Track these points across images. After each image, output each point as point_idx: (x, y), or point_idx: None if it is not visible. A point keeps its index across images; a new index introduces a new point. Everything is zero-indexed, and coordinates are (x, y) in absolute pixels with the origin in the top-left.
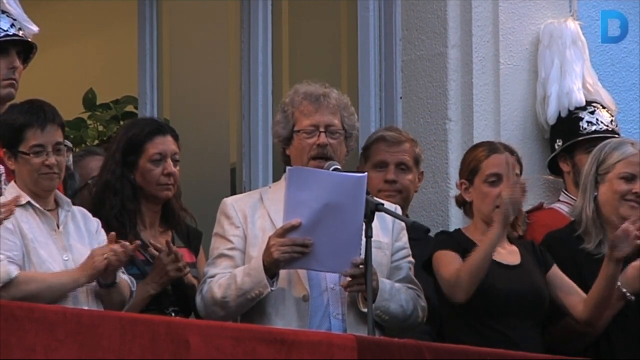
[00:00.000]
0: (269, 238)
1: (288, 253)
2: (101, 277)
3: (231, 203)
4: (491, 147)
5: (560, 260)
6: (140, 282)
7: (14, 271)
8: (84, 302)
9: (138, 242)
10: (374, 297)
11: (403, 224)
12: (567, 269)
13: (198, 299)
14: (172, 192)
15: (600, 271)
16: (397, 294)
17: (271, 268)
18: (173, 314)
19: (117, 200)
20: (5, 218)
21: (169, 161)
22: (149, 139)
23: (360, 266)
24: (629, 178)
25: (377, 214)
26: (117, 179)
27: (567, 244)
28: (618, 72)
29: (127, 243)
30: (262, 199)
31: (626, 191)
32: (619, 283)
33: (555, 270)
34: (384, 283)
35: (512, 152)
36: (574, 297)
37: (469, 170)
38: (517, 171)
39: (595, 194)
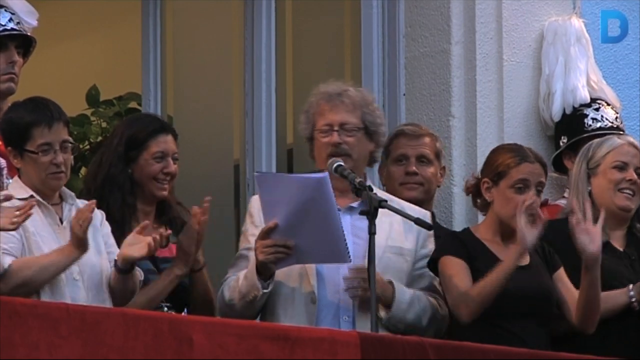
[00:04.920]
0: (255, 241)
1: (272, 254)
2: (122, 263)
3: (256, 201)
4: (522, 155)
5: (552, 235)
6: (167, 269)
7: (7, 262)
8: (84, 300)
9: (169, 232)
10: (390, 306)
11: (431, 230)
12: (557, 243)
13: (217, 300)
14: (167, 192)
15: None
16: (415, 303)
17: (264, 270)
18: (166, 309)
19: (119, 194)
20: (20, 222)
21: (170, 160)
22: (152, 136)
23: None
24: (622, 167)
25: (404, 220)
26: (119, 173)
27: (558, 223)
28: (621, 70)
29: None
30: None
31: (620, 179)
32: (631, 292)
33: (560, 273)
34: (404, 292)
35: (541, 162)
36: (570, 304)
37: (496, 172)
38: (543, 179)
39: (589, 189)
